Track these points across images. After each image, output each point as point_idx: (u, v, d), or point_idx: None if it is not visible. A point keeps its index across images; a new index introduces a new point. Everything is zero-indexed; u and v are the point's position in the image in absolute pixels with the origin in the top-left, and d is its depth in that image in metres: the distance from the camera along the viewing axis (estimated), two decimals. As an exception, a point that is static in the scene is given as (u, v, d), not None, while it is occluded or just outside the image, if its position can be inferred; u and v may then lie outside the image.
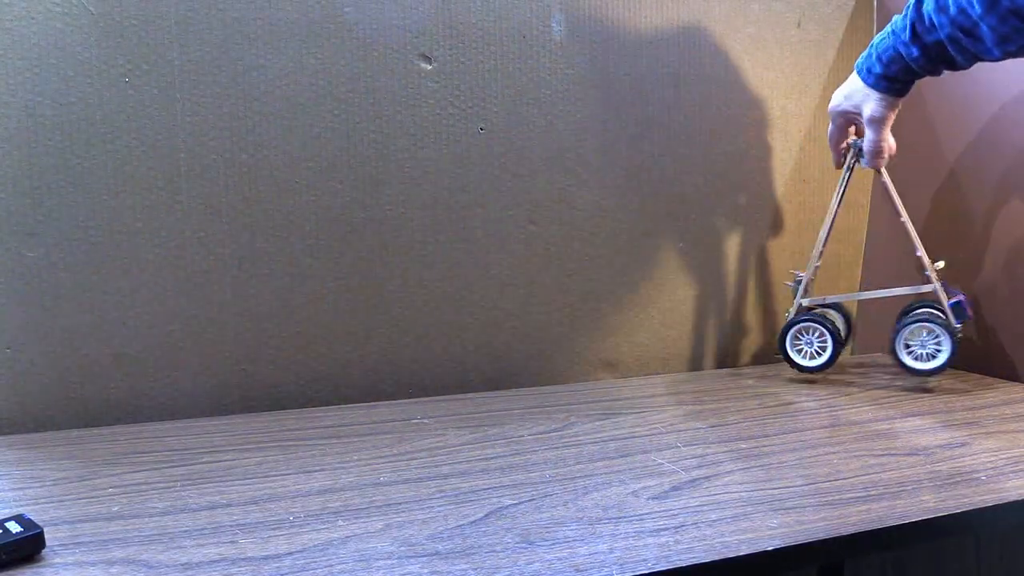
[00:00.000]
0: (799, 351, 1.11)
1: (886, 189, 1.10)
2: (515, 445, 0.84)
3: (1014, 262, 1.08)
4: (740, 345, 1.24)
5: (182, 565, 0.58)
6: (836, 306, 1.17)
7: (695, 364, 1.21)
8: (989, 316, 1.12)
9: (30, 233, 0.91)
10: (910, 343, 1.05)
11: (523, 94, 1.08)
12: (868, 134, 1.03)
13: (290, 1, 0.97)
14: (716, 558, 0.58)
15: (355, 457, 0.81)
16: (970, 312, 1.05)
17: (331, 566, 0.57)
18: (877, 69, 0.97)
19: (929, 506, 0.67)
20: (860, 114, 1.03)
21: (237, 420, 0.96)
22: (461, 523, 0.65)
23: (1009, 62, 1.05)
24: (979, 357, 1.14)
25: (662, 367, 1.19)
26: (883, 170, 1.08)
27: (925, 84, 1.18)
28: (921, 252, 1.07)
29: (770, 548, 0.60)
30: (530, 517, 0.65)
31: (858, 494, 0.70)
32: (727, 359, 1.23)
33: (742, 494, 0.70)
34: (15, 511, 0.67)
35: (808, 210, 1.25)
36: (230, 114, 0.96)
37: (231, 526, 0.64)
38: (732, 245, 1.22)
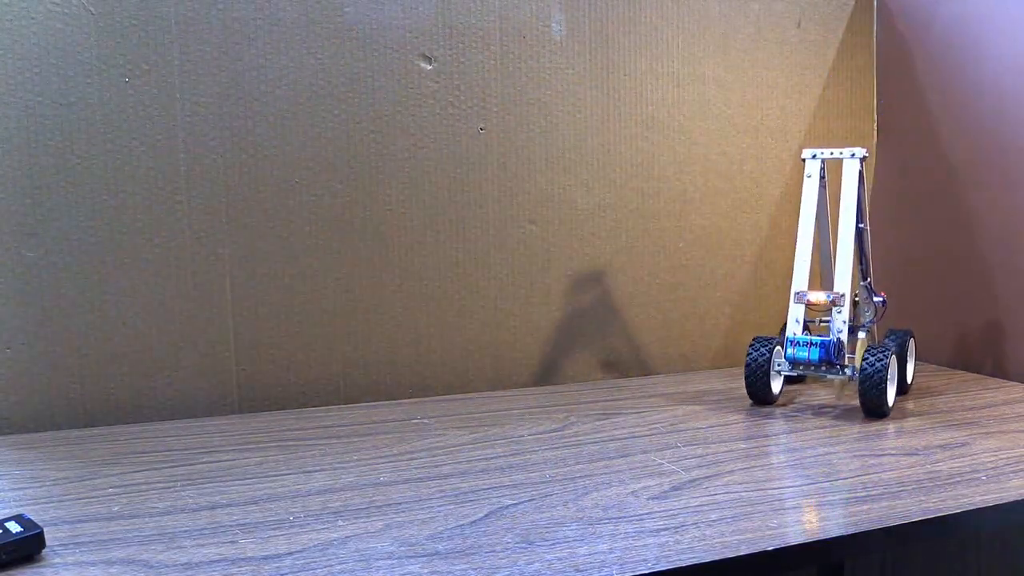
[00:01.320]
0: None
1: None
2: (515, 445, 0.84)
3: (1014, 261, 1.08)
4: (740, 345, 1.24)
5: (182, 565, 0.58)
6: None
7: (695, 364, 1.21)
8: (989, 316, 1.12)
9: (30, 233, 0.91)
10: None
11: (523, 94, 1.08)
12: None
13: (290, 1, 0.97)
14: (716, 558, 0.58)
15: (355, 457, 0.81)
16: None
17: (331, 566, 0.57)
18: None
19: (929, 506, 0.67)
20: None
21: (237, 420, 0.96)
22: (461, 523, 0.65)
23: (1011, 60, 1.05)
24: (979, 357, 1.14)
25: (662, 367, 1.19)
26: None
27: (925, 84, 1.18)
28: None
29: (770, 548, 0.60)
30: (530, 517, 0.65)
31: (858, 494, 0.70)
32: (727, 359, 1.23)
33: (742, 494, 0.70)
34: (15, 511, 0.66)
35: (808, 210, 1.25)
36: (230, 114, 0.96)
37: (231, 526, 0.64)
38: (732, 245, 1.21)
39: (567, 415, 0.96)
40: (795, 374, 0.98)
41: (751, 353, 0.97)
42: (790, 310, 0.97)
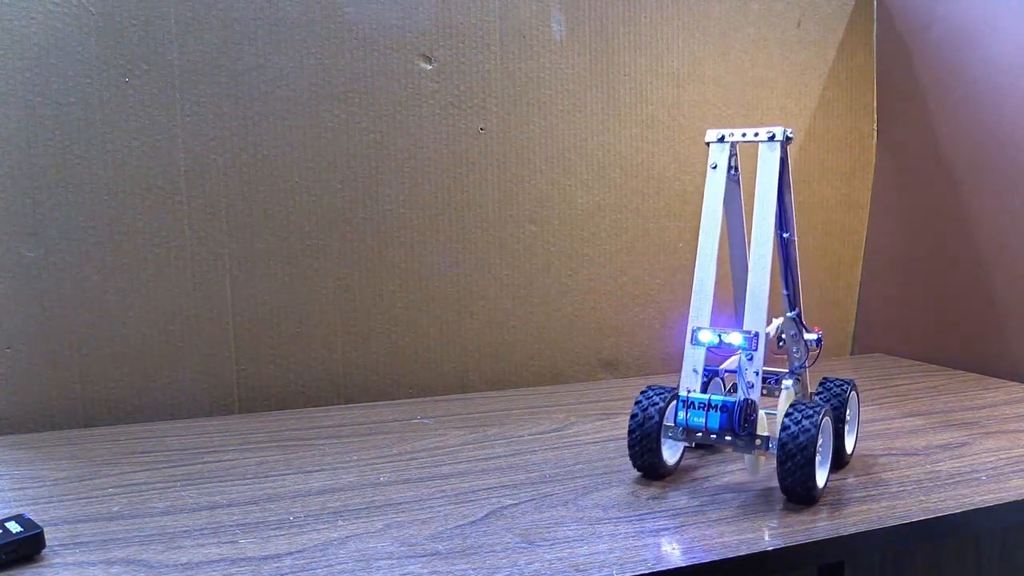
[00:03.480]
0: None
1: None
2: (515, 445, 0.84)
3: (1015, 261, 1.08)
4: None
5: (182, 565, 0.58)
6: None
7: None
8: (989, 316, 1.12)
9: (30, 233, 0.91)
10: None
11: (523, 94, 1.08)
12: None
13: (290, 1, 0.97)
14: (716, 558, 0.58)
15: (355, 457, 0.81)
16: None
17: (331, 566, 0.57)
18: None
19: (929, 506, 0.67)
20: None
21: (237, 420, 0.96)
22: (461, 523, 0.65)
23: (1010, 59, 1.05)
24: (979, 357, 1.14)
25: (662, 367, 1.19)
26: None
27: (925, 84, 1.18)
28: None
29: (770, 548, 0.60)
30: (530, 517, 0.65)
31: (858, 494, 0.70)
32: (727, 359, 1.23)
33: (742, 494, 0.70)
34: (15, 511, 0.66)
35: (808, 210, 1.25)
36: (230, 114, 0.96)
37: (231, 526, 0.64)
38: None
39: (567, 415, 0.95)
40: (691, 444, 0.72)
41: (636, 415, 0.72)
42: (685, 355, 0.71)
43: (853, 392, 0.79)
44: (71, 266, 0.93)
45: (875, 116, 1.27)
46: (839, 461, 0.75)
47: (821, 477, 0.68)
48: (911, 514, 0.65)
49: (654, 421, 0.71)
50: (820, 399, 0.77)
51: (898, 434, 0.87)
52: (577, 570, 0.56)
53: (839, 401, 0.77)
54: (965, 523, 0.67)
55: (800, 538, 0.61)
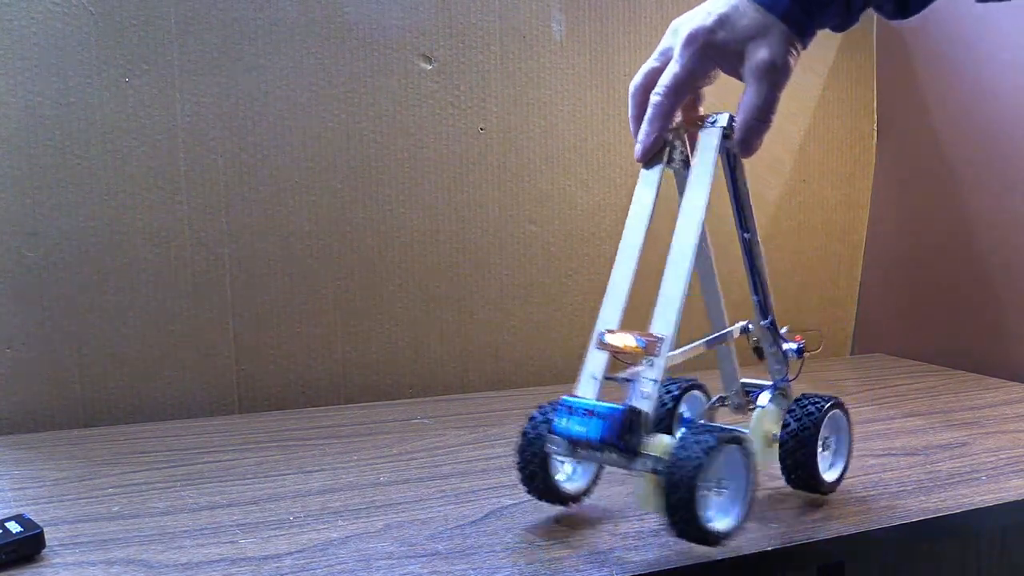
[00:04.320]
0: None
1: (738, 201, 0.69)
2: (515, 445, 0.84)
3: (1014, 261, 1.08)
4: (741, 345, 1.24)
5: (182, 565, 0.58)
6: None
7: (695, 364, 1.21)
8: (989, 316, 1.12)
9: (30, 233, 0.91)
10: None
11: (523, 94, 1.08)
12: (759, 91, 0.65)
13: (290, 1, 0.97)
14: (716, 557, 0.58)
15: (355, 457, 0.81)
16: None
17: (331, 566, 0.57)
18: None
19: (929, 506, 0.67)
20: (741, 55, 0.64)
21: (237, 420, 0.96)
22: (461, 523, 0.65)
23: (1010, 59, 1.05)
24: (979, 357, 1.14)
25: (662, 367, 1.19)
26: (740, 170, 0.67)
27: (925, 83, 1.18)
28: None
29: (770, 548, 0.60)
30: (530, 517, 0.65)
31: (858, 494, 0.70)
32: (727, 359, 1.23)
33: (742, 494, 0.70)
34: (15, 511, 0.66)
35: (808, 210, 1.25)
36: (230, 114, 0.96)
37: (231, 526, 0.64)
38: (731, 244, 1.21)
39: (567, 415, 0.95)
40: (575, 463, 0.63)
41: (528, 432, 0.62)
42: (586, 359, 0.63)
43: (836, 411, 0.67)
44: (71, 266, 0.93)
45: (875, 116, 1.27)
46: (812, 484, 0.66)
47: (724, 519, 0.55)
48: (911, 514, 0.65)
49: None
50: (791, 418, 0.66)
51: (898, 434, 0.87)
52: (577, 570, 0.56)
53: (811, 422, 0.65)
54: (965, 523, 0.67)
55: (800, 538, 0.61)
